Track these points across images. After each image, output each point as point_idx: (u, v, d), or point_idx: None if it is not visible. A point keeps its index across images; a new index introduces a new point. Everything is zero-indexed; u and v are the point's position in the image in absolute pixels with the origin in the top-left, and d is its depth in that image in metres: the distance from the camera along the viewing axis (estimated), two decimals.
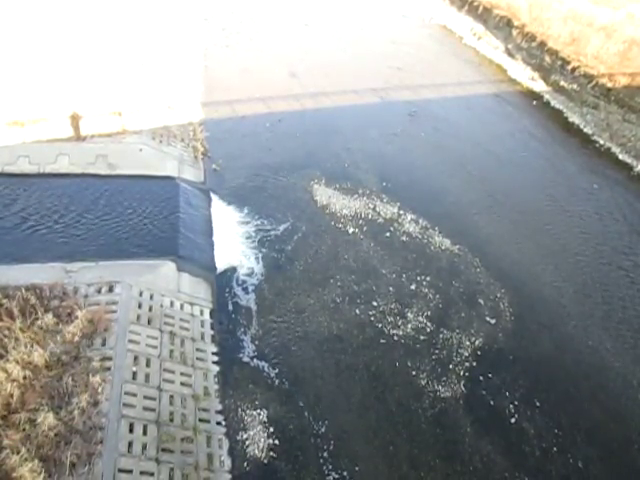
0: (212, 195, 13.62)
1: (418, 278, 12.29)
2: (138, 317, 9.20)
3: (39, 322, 8.35)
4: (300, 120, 17.78)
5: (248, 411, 9.10)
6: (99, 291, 9.38)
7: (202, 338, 9.81)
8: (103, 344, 8.45)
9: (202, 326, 10.04)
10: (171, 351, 9.08)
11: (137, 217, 11.55)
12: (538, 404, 9.94)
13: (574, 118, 19.88)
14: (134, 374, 8.33)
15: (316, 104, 18.56)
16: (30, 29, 18.36)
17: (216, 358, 9.68)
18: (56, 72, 15.57)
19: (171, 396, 8.41)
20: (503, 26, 25.31)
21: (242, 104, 17.72)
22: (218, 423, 8.61)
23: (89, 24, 19.41)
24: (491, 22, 26.21)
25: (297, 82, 19.84)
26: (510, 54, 24.23)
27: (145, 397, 8.13)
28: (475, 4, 27.64)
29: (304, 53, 22.46)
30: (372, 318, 11.24)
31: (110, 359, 8.27)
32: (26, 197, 11.59)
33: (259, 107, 17.78)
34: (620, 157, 17.76)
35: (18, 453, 6.78)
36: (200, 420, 8.43)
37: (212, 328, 10.17)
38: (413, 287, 12.06)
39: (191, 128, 15.47)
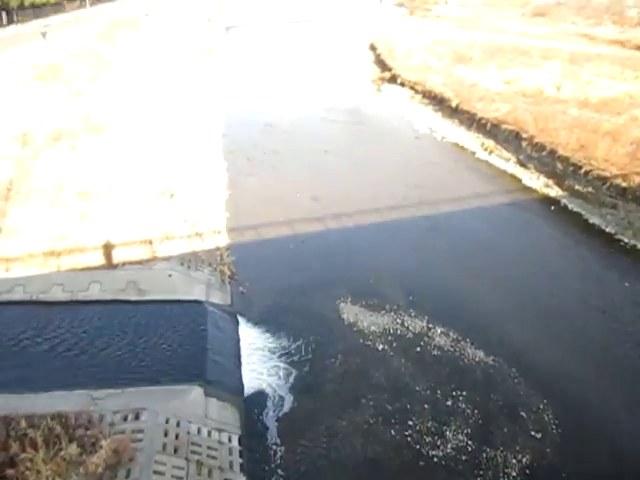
0: (239, 317, 13.67)
1: (454, 393, 11.76)
2: (164, 446, 8.87)
3: (63, 453, 8.10)
4: (323, 241, 18.22)
5: None
6: (125, 419, 9.17)
7: (230, 467, 9.31)
8: (127, 476, 8.08)
9: (230, 454, 9.57)
10: None
11: (165, 342, 11.57)
12: None
13: (594, 219, 19.99)
14: None
15: (338, 224, 19.09)
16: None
17: None
18: (90, 201, 16.51)
19: None
20: (512, 139, 26.46)
21: (266, 228, 18.34)
22: None
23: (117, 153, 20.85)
24: (500, 136, 27.47)
25: (319, 205, 20.61)
26: (522, 164, 25.06)
27: None
28: (483, 122, 29.18)
29: (325, 178, 23.58)
30: (409, 439, 10.62)
31: None
32: (57, 324, 11.80)
33: (283, 230, 18.37)
34: None
35: None
36: None
37: (241, 456, 9.67)
38: (449, 403, 11.51)
39: (218, 253, 15.95)
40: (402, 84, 41.54)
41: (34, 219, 15.16)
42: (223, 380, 11.19)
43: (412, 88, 39.68)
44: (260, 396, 11.43)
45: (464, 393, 11.75)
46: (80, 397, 9.59)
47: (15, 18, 49.42)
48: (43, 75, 31.47)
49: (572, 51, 52.13)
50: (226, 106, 34.61)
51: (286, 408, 11.21)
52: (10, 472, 7.83)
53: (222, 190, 20.78)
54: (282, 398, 11.44)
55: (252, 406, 11.11)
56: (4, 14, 47.97)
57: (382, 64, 49.41)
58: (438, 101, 35.17)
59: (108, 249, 14.32)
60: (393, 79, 43.31)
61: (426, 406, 11.41)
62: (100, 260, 14.06)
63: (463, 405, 11.45)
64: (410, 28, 77.03)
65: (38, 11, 55.06)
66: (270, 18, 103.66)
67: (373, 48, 58.28)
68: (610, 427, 11.08)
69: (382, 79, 44.55)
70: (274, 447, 10.30)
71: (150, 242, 14.84)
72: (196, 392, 10.38)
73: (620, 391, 12.04)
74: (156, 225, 15.70)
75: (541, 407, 11.41)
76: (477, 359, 12.80)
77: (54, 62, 34.67)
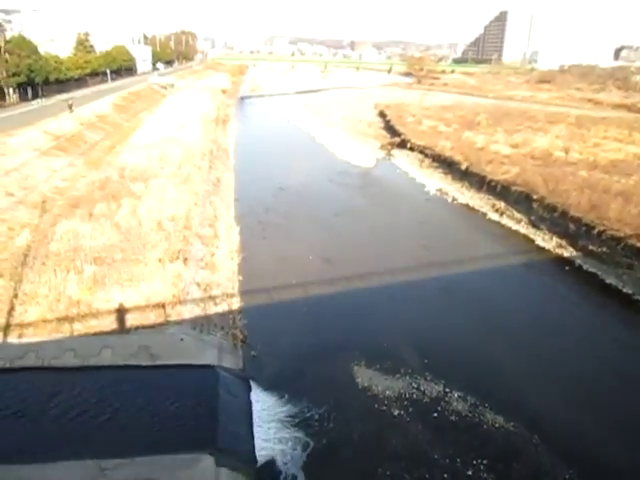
0: (251, 382, 13.44)
1: (474, 461, 11.28)
2: None
3: None
4: (336, 303, 18.12)
5: None
6: None
7: None
8: None
9: None
10: None
11: (176, 408, 11.32)
12: None
13: (610, 279, 19.73)
14: None
15: (350, 286, 19.00)
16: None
17: None
18: (105, 265, 16.63)
19: None
20: (523, 200, 26.66)
21: (279, 291, 18.31)
22: None
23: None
24: (511, 198, 27.71)
25: (331, 267, 20.62)
26: (534, 225, 25.11)
27: None
28: (493, 184, 29.54)
29: (336, 240, 23.74)
30: None
31: None
32: (67, 391, 11.65)
33: (296, 292, 18.32)
34: None
35: None
36: None
37: None
38: (470, 473, 11.03)
39: (230, 316, 15.90)
40: (411, 149, 42.54)
41: (49, 285, 15.30)
42: (235, 448, 10.87)
43: (421, 152, 40.59)
44: (273, 464, 11.06)
45: (485, 461, 11.27)
46: (88, 467, 9.35)
47: (40, 93, 51.81)
48: (63, 146, 32.68)
49: (578, 115, 53.43)
50: (238, 171, 35.42)
51: (300, 478, 10.78)
52: None
53: (235, 253, 20.94)
54: (296, 466, 11.03)
55: (265, 475, 10.73)
56: (29, 89, 50.35)
57: (391, 130, 50.79)
58: (447, 164, 35.86)
59: (121, 313, 14.35)
60: (403, 144, 44.40)
61: (446, 476, 10.93)
62: (113, 325, 14.07)
63: (485, 475, 10.96)
64: (418, 96, 79.67)
65: (62, 86, 57.79)
66: (283, 87, 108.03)
67: (382, 115, 60.09)
68: None
69: (392, 144, 45.70)
70: None
71: (163, 306, 14.86)
72: (207, 461, 10.06)
73: None
74: (169, 289, 15.75)
75: (567, 477, 10.87)
76: (497, 424, 12.35)
77: (74, 133, 36.06)
